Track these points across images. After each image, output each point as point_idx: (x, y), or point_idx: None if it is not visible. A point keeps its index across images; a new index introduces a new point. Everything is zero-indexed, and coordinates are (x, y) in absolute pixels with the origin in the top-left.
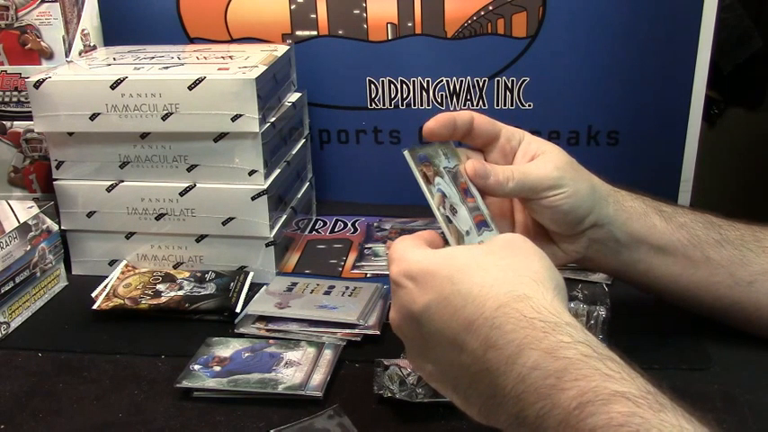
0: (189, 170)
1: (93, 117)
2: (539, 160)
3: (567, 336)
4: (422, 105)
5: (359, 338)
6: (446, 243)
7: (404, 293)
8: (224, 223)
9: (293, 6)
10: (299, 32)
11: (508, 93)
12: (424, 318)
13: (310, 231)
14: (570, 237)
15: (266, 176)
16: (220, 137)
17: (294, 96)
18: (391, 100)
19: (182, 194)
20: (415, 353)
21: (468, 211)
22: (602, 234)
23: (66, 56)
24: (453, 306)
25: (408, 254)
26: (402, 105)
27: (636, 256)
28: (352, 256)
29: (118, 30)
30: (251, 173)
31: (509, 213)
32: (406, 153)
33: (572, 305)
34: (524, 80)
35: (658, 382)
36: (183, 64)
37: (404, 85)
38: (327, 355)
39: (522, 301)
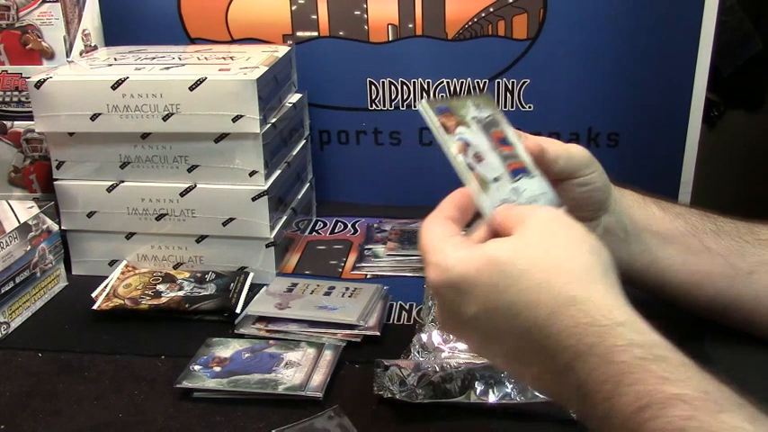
0: (189, 171)
1: (93, 117)
2: (569, 145)
3: (620, 338)
4: None
5: (359, 339)
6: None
7: (448, 302)
8: (224, 224)
9: (294, 7)
10: (299, 33)
11: (508, 94)
12: (474, 324)
13: (310, 232)
14: (590, 223)
15: (267, 177)
16: (221, 137)
17: (295, 97)
18: (392, 101)
19: (182, 195)
20: (476, 349)
21: (500, 159)
22: (613, 222)
23: (67, 56)
24: (504, 315)
25: (444, 255)
26: (402, 106)
27: (641, 246)
28: (352, 257)
29: (119, 30)
30: (251, 173)
31: None
32: (421, 105)
33: None
34: (525, 82)
35: (717, 378)
36: (183, 64)
37: (404, 87)
38: (327, 355)
39: (571, 305)
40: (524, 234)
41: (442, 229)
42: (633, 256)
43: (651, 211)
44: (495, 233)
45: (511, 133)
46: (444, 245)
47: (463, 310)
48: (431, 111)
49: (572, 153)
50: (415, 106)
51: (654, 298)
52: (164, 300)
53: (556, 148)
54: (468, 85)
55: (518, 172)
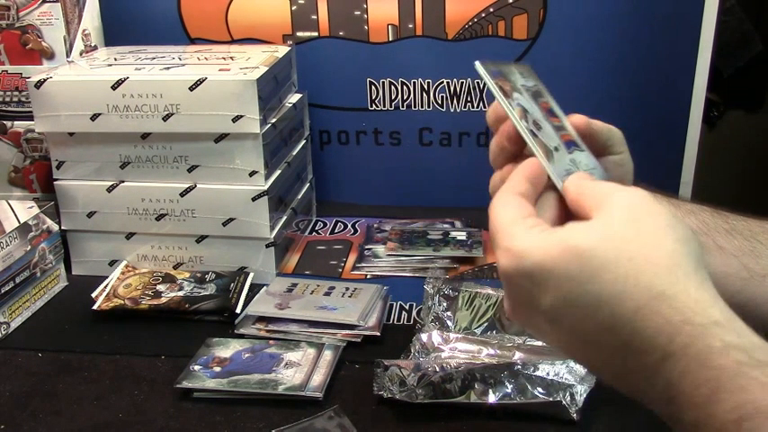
0: (189, 171)
1: (93, 117)
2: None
3: (718, 339)
4: (422, 107)
5: (359, 339)
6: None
7: (521, 292)
8: (224, 224)
9: (294, 7)
10: (299, 33)
11: None
12: (550, 316)
13: (310, 232)
14: None
15: (267, 177)
16: (221, 137)
17: (295, 97)
18: (392, 101)
19: (182, 195)
20: (550, 341)
21: (553, 129)
22: None
23: (68, 56)
24: (584, 309)
25: (517, 240)
26: (402, 107)
27: None
28: (352, 258)
29: (119, 30)
30: (251, 174)
31: None
32: (477, 64)
33: None
34: None
35: None
36: (183, 65)
37: (404, 87)
38: (327, 355)
39: (661, 300)
40: (607, 219)
41: (515, 208)
42: None
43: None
44: (568, 209)
45: (556, 105)
46: (517, 228)
47: (538, 301)
48: (486, 73)
49: (612, 129)
50: (415, 107)
51: None
52: (164, 300)
53: (598, 123)
54: (469, 86)
55: (571, 144)
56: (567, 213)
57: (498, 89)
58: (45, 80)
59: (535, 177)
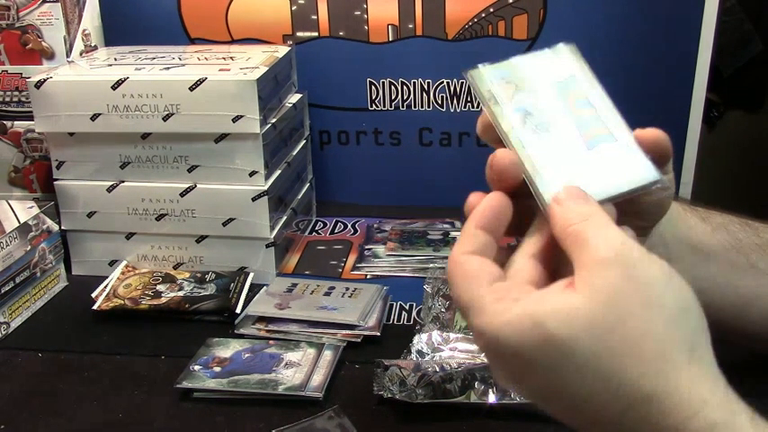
0: (189, 171)
1: (93, 117)
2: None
3: None
4: (422, 107)
5: (359, 339)
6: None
7: (502, 367)
8: (224, 224)
9: (294, 7)
10: (299, 33)
11: None
12: (532, 395)
13: (310, 232)
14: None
15: (267, 177)
16: (221, 138)
17: (295, 97)
18: (392, 101)
19: (182, 195)
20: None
21: (576, 125)
22: (656, 238)
23: (68, 56)
24: (569, 400)
25: (486, 317)
26: (402, 107)
27: (680, 264)
28: (352, 258)
29: (119, 30)
30: (251, 174)
31: None
32: (470, 74)
33: None
34: None
35: None
36: (183, 65)
37: (404, 87)
38: (327, 355)
39: (650, 403)
40: (588, 297)
41: (475, 273)
42: None
43: (691, 222)
44: (554, 244)
45: (596, 93)
46: (483, 301)
47: (521, 381)
48: (484, 78)
49: (661, 137)
50: (415, 107)
51: None
52: (164, 300)
53: (651, 130)
54: (469, 86)
55: (599, 140)
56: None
57: (489, 96)
58: (45, 80)
59: (497, 219)
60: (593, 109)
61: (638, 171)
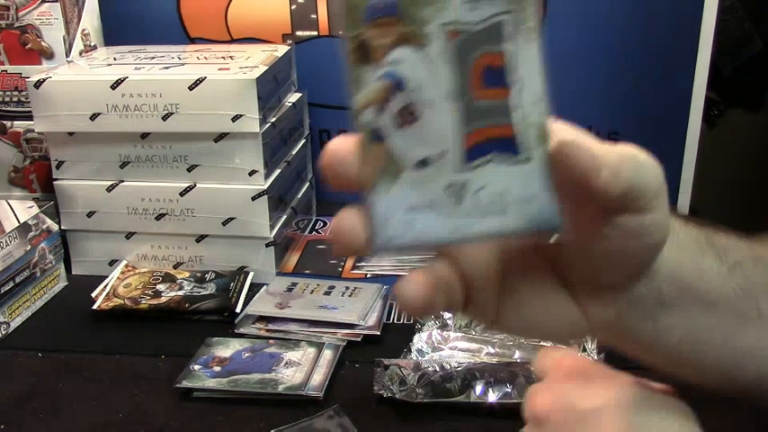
0: (189, 170)
1: (93, 117)
2: (629, 148)
3: None
4: None
5: (359, 339)
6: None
7: None
8: (224, 223)
9: (294, 7)
10: (299, 33)
11: None
12: None
13: (310, 231)
14: (609, 293)
15: (266, 177)
16: (221, 137)
17: (294, 96)
18: None
19: (182, 194)
20: None
21: (463, 116)
22: (648, 289)
23: (67, 56)
24: None
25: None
26: None
27: (674, 320)
28: (351, 257)
29: (118, 30)
30: (251, 173)
31: (494, 269)
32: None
33: None
34: None
35: None
36: (183, 64)
37: None
38: (327, 355)
39: None
40: None
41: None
42: (659, 333)
43: (705, 265)
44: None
45: (524, 60)
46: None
47: None
48: (355, 14)
49: (640, 161)
50: None
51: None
52: (164, 299)
53: (607, 149)
54: None
55: (493, 147)
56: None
57: (353, 46)
58: (44, 80)
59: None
60: (507, 88)
61: (528, 211)
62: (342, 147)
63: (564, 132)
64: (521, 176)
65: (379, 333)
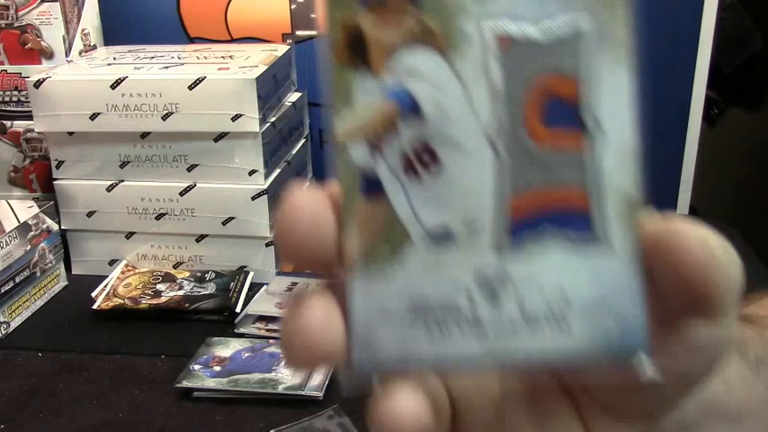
0: (189, 170)
1: (93, 117)
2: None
3: None
4: None
5: None
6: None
7: None
8: (224, 223)
9: (293, 6)
10: (299, 32)
11: None
12: None
13: None
14: (633, 424)
15: (266, 176)
16: (220, 137)
17: (294, 96)
18: None
19: (182, 194)
20: None
21: (513, 168)
22: (675, 414)
23: (67, 55)
24: None
25: None
26: None
27: None
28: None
29: (118, 29)
30: (251, 173)
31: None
32: None
33: None
34: None
35: None
36: (183, 64)
37: None
38: None
39: None
40: None
41: None
42: None
43: (731, 375)
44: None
45: (609, 92)
46: None
47: None
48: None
49: (731, 251)
50: None
51: None
52: (163, 299)
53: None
54: None
55: (543, 222)
56: None
57: (338, 47)
58: (44, 80)
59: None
60: (578, 135)
61: (601, 325)
62: (310, 203)
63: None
64: (593, 271)
65: None
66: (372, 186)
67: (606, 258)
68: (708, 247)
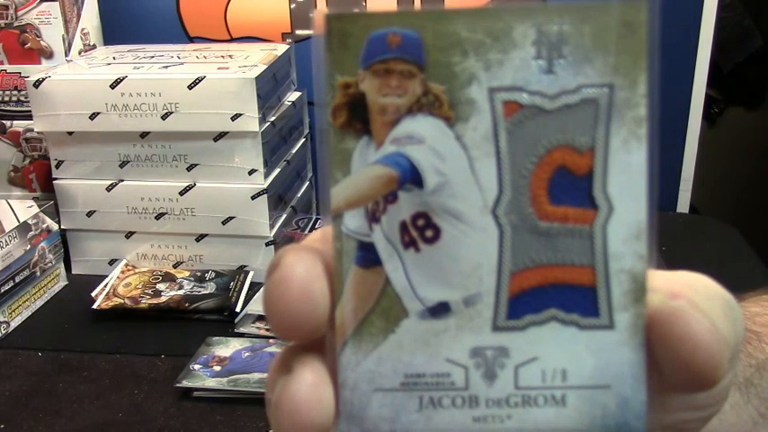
0: (189, 169)
1: (92, 116)
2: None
3: None
4: None
5: None
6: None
7: None
8: (224, 222)
9: (293, 5)
10: (298, 32)
11: None
12: None
13: (310, 231)
14: None
15: (266, 176)
16: (220, 136)
17: (294, 95)
18: None
19: (181, 194)
20: None
21: (517, 244)
22: None
23: (66, 55)
24: None
25: None
26: None
27: None
28: None
29: (117, 29)
30: (251, 172)
31: None
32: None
33: None
34: None
35: None
36: (182, 63)
37: None
38: None
39: None
40: None
41: None
42: None
43: (729, 404)
44: None
45: (622, 168)
46: None
47: None
48: (347, 48)
49: (737, 313)
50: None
51: None
52: (163, 299)
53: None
54: None
55: (546, 300)
56: None
57: (341, 101)
58: (44, 79)
59: None
60: (586, 211)
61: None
62: (302, 270)
63: (662, 284)
64: (595, 350)
65: None
66: (369, 257)
67: (609, 339)
68: (709, 332)
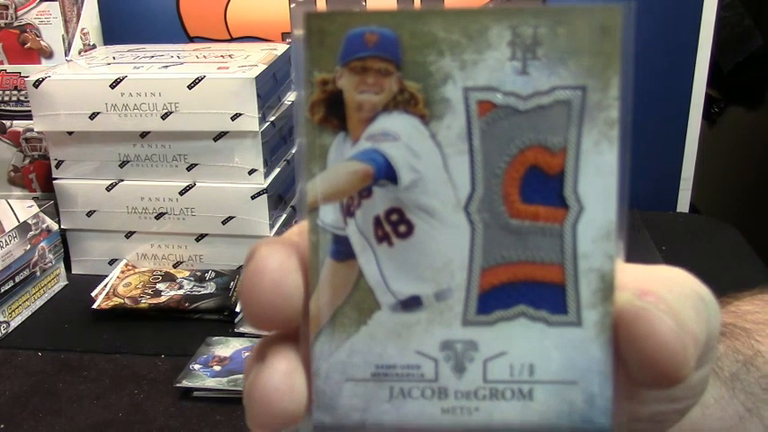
0: (188, 169)
1: (92, 116)
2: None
3: None
4: None
5: None
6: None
7: None
8: (224, 222)
9: (293, 5)
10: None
11: None
12: None
13: None
14: None
15: (266, 175)
16: (220, 136)
17: (294, 95)
18: None
19: (181, 193)
20: None
21: (488, 241)
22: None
23: (66, 55)
24: None
25: None
26: None
27: None
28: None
29: (117, 29)
30: (251, 172)
31: None
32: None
33: None
34: None
35: None
36: (182, 63)
37: None
38: None
39: None
40: None
41: None
42: None
43: (707, 398)
44: None
45: (594, 169)
46: None
47: None
48: (325, 46)
49: (711, 309)
50: None
51: None
52: (163, 299)
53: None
54: None
55: (515, 296)
56: None
57: (308, 111)
58: (43, 79)
59: None
60: (562, 209)
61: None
62: (275, 262)
63: (634, 281)
64: (563, 346)
65: None
66: (343, 250)
67: (576, 336)
68: (672, 331)
